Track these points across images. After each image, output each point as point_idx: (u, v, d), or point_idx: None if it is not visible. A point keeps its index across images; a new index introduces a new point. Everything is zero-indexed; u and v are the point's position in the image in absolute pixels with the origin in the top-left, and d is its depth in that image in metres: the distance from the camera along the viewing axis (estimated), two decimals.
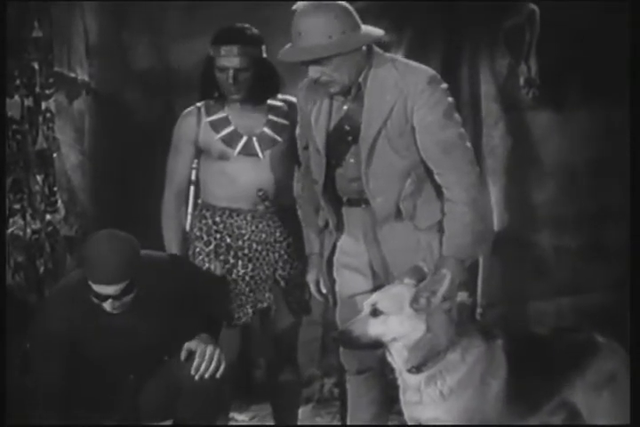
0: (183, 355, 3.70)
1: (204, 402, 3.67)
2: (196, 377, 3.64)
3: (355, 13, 3.65)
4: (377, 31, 3.68)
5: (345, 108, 3.72)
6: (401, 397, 3.43)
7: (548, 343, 3.51)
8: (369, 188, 3.69)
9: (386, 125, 3.63)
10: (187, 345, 3.70)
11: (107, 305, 3.58)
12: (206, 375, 3.65)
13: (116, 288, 3.54)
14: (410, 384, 3.36)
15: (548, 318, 5.45)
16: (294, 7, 3.66)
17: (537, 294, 5.56)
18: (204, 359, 3.66)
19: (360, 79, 3.66)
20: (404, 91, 3.61)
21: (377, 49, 3.71)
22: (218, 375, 3.67)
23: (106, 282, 3.53)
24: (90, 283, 3.55)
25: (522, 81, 5.49)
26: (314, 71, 3.61)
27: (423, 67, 3.71)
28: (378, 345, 3.31)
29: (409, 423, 3.44)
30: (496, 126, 5.52)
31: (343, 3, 3.66)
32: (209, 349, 3.67)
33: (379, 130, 3.63)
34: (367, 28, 3.66)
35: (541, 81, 5.45)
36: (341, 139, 3.73)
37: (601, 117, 5.31)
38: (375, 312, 3.27)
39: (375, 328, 3.27)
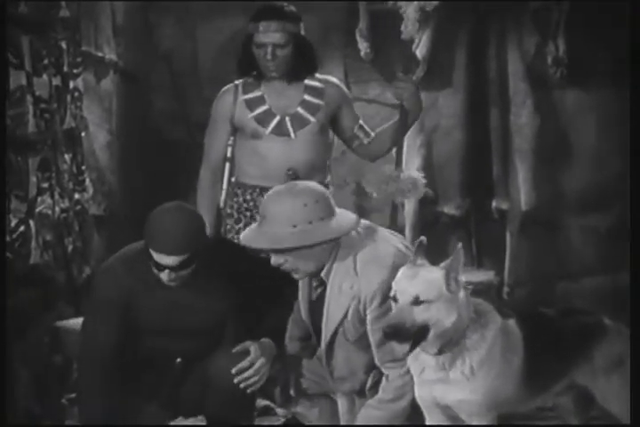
0: (237, 349, 3.64)
1: (229, 401, 3.62)
2: (235, 380, 3.58)
3: (330, 200, 3.47)
4: (349, 221, 3.47)
5: (314, 295, 3.63)
6: (415, 377, 3.39)
7: (556, 324, 3.49)
8: (333, 377, 3.63)
9: (343, 324, 3.50)
10: (247, 343, 3.65)
11: (164, 275, 3.56)
12: (242, 385, 3.59)
13: (175, 259, 3.52)
14: (429, 364, 3.33)
15: (575, 298, 5.44)
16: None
17: (564, 273, 5.55)
18: (250, 368, 3.61)
19: (323, 273, 3.50)
20: (358, 295, 3.44)
21: (344, 239, 3.46)
22: (249, 391, 3.62)
23: (167, 252, 3.51)
24: (151, 251, 3.54)
25: (550, 60, 5.47)
26: (276, 258, 3.44)
27: (383, 259, 3.45)
28: (422, 332, 3.24)
29: (421, 403, 3.41)
30: (524, 105, 5.50)
31: (320, 188, 3.49)
32: (260, 360, 3.62)
33: (335, 329, 3.51)
34: (340, 216, 3.47)
35: (569, 60, 5.43)
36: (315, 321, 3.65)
37: (629, 97, 5.28)
38: (417, 301, 3.21)
39: (420, 316, 3.21)
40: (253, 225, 3.54)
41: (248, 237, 3.49)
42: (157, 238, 3.52)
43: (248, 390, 3.62)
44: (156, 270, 3.58)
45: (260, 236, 3.43)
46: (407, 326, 3.21)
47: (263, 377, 3.64)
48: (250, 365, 3.62)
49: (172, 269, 3.54)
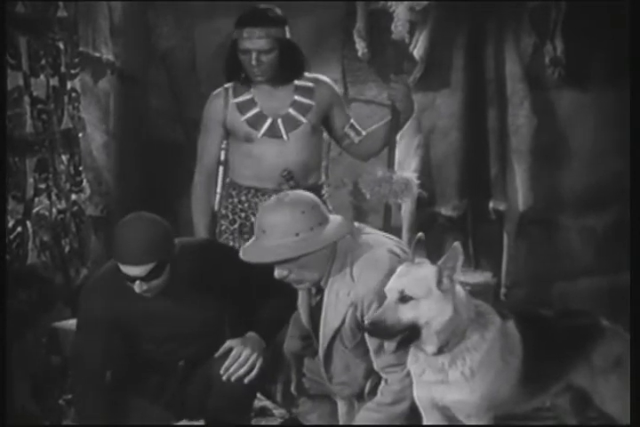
0: (220, 352, 3.65)
1: (229, 405, 3.62)
2: (224, 378, 3.58)
3: (322, 206, 3.46)
4: (344, 224, 3.45)
5: (314, 301, 3.60)
6: (415, 379, 3.38)
7: (554, 325, 3.49)
8: (332, 383, 3.62)
9: (340, 331, 3.47)
10: (227, 342, 3.65)
11: (136, 287, 3.54)
12: (232, 378, 3.59)
13: (141, 269, 3.49)
14: (430, 366, 3.32)
15: (572, 299, 5.45)
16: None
17: (561, 274, 5.56)
18: (236, 361, 3.60)
19: (322, 283, 3.46)
20: (355, 302, 3.40)
21: (340, 245, 3.44)
22: (246, 381, 3.60)
23: (131, 262, 3.49)
24: (118, 264, 3.53)
25: (547, 60, 5.47)
26: (280, 270, 3.39)
27: (379, 264, 3.42)
28: (412, 330, 3.23)
29: (419, 404, 3.41)
30: (521, 106, 5.50)
31: (310, 195, 3.46)
32: (245, 351, 3.60)
33: (333, 336, 3.49)
34: (334, 220, 3.45)
35: (567, 60, 5.43)
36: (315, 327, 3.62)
37: (627, 97, 5.28)
38: (404, 298, 3.21)
39: (407, 314, 3.20)
40: (251, 241, 3.46)
41: (250, 253, 3.41)
42: (120, 250, 3.50)
43: (245, 381, 3.60)
44: (128, 283, 3.56)
45: (264, 251, 3.37)
46: (388, 323, 3.20)
47: (254, 366, 3.61)
48: (233, 360, 3.60)
49: (142, 279, 3.52)
